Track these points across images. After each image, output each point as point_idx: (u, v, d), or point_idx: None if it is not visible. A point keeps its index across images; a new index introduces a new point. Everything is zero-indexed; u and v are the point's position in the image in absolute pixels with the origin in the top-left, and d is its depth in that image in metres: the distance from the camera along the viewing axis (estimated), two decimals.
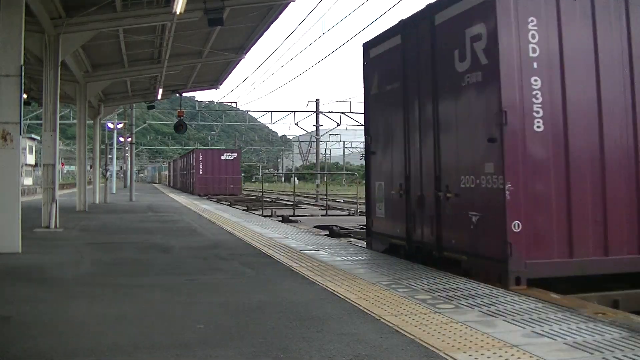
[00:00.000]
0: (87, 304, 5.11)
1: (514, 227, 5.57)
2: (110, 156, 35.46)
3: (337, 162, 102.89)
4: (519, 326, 4.13)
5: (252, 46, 17.89)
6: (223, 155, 37.43)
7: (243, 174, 61.81)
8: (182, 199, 28.51)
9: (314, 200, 32.02)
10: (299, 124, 49.39)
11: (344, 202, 29.01)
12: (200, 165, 36.21)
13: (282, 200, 31.51)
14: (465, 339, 3.83)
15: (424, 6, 7.16)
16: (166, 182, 74.72)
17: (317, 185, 41.01)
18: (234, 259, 7.70)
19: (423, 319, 4.36)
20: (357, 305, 4.82)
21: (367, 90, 8.75)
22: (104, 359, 3.54)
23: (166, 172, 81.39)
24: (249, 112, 62.18)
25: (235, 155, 38.06)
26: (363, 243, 9.74)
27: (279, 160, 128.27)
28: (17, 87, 8.34)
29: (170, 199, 28.98)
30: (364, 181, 10.21)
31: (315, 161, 46.87)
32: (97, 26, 12.77)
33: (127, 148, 36.18)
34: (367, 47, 8.69)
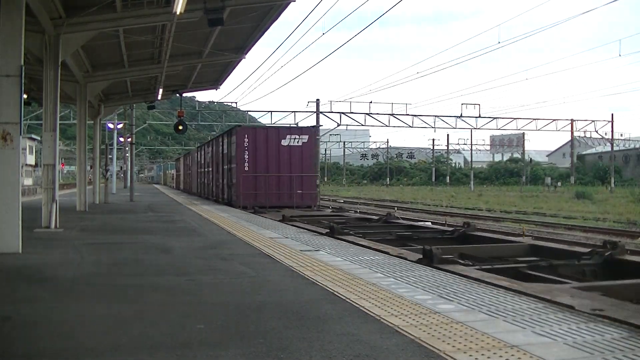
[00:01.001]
0: (87, 304, 5.11)
1: None
2: (110, 156, 35.48)
3: (337, 162, 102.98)
4: (519, 326, 4.13)
5: (252, 46, 17.91)
6: (286, 137, 20.73)
7: None
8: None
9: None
10: (299, 124, 49.33)
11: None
12: (246, 155, 20.31)
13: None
14: (466, 339, 3.82)
15: None
16: (172, 184, 60.20)
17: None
18: (234, 259, 7.70)
19: (423, 319, 4.36)
20: (358, 306, 4.82)
21: None
22: (104, 359, 3.54)
23: (173, 171, 64.57)
24: (249, 112, 62.05)
25: (306, 137, 20.96)
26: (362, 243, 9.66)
27: None
28: (17, 87, 8.34)
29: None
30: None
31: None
32: (97, 26, 12.78)
33: (127, 148, 36.17)
34: None
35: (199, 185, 32.73)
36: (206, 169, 29.24)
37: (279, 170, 20.38)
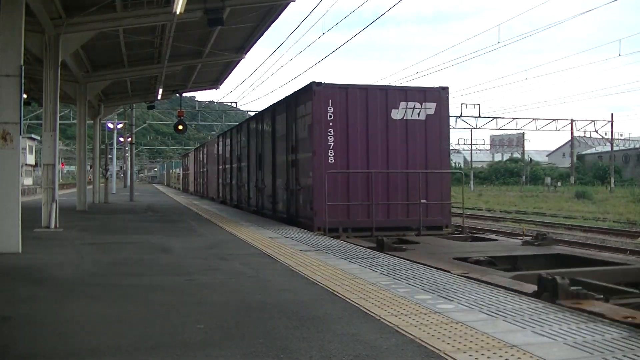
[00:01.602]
0: (87, 304, 5.11)
1: None
2: (110, 156, 35.48)
3: None
4: (519, 326, 4.13)
5: (252, 46, 17.91)
6: (398, 105, 12.00)
7: None
8: None
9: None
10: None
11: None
12: (331, 137, 11.72)
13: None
14: (465, 339, 3.83)
15: None
16: (177, 185, 51.52)
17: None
18: (234, 259, 7.70)
19: (423, 319, 4.36)
20: (357, 305, 4.82)
21: None
22: (104, 359, 3.54)
23: (178, 170, 55.71)
24: (249, 112, 62.07)
25: (432, 107, 12.18)
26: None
27: None
28: (17, 87, 8.35)
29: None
30: None
31: None
32: (97, 26, 12.78)
33: (127, 148, 36.17)
34: None
35: (221, 188, 23.99)
36: (236, 165, 20.37)
37: (388, 163, 11.95)
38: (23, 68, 8.50)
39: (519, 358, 3.44)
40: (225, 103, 69.31)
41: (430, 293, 5.29)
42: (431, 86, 12.34)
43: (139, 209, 19.86)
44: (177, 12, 11.18)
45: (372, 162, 11.82)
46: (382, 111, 11.89)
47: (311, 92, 11.76)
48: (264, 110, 16.73)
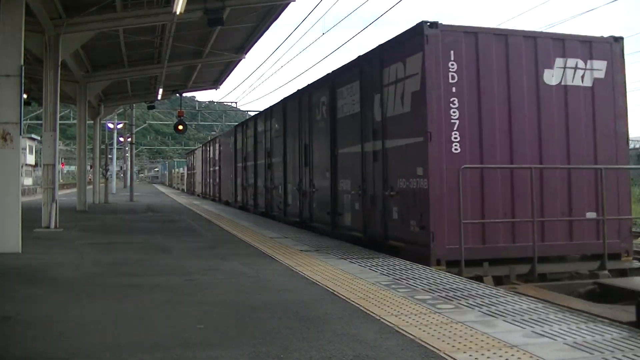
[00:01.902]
0: (87, 304, 5.11)
1: None
2: (110, 156, 35.48)
3: None
4: (519, 326, 4.13)
5: (252, 46, 17.92)
6: (552, 64, 7.85)
7: None
8: None
9: None
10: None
11: None
12: (454, 112, 7.38)
13: None
14: (465, 339, 3.83)
15: None
16: (181, 186, 48.63)
17: None
18: (234, 259, 7.70)
19: (423, 319, 4.36)
20: (357, 305, 4.82)
21: None
22: (104, 359, 3.54)
23: (182, 170, 51.72)
24: (249, 112, 62.03)
25: (602, 67, 8.08)
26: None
27: None
28: (17, 87, 8.36)
29: None
30: None
31: None
32: (97, 26, 12.79)
33: (127, 148, 36.17)
34: None
35: (240, 191, 19.67)
36: (263, 162, 16.05)
37: (541, 153, 7.92)
38: (23, 68, 8.51)
39: (519, 358, 3.44)
40: (225, 103, 69.49)
41: None
42: (597, 37, 8.35)
43: (139, 209, 19.86)
44: (177, 12, 11.19)
45: (517, 152, 7.74)
46: (529, 71, 7.87)
47: (421, 40, 7.52)
48: (312, 83, 12.02)
